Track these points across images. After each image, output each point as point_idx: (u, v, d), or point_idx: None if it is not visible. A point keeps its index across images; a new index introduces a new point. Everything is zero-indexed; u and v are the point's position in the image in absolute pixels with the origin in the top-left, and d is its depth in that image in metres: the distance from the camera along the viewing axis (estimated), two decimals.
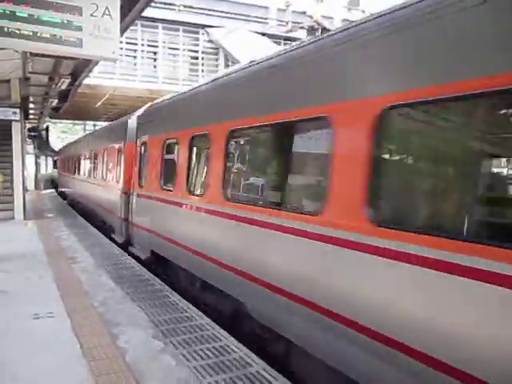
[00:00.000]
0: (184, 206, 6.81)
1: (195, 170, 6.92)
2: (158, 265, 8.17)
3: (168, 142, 7.80)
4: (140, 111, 10.39)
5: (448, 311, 2.78)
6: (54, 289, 6.41)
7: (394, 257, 3.09)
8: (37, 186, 31.48)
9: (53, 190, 31.66)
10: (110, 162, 12.17)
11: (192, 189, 6.75)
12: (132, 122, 10.48)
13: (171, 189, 7.36)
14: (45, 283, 6.73)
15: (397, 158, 3.63)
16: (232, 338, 4.81)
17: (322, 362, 3.82)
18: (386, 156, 3.54)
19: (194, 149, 6.89)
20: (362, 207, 3.38)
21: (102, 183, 13.09)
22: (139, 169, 9.33)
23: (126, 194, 10.06)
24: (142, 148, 9.24)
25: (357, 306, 3.42)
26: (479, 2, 2.75)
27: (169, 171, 7.61)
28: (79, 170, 18.34)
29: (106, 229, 12.14)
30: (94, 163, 14.69)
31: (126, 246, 9.89)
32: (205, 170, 6.54)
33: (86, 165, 16.75)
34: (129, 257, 8.98)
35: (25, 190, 15.05)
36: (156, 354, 4.31)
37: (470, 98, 2.82)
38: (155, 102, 9.81)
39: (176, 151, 7.37)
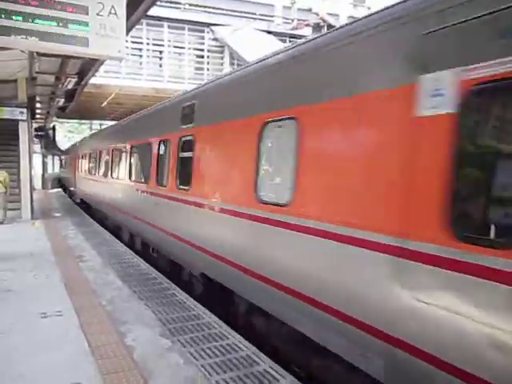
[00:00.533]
0: (87, 179, 17.38)
1: (88, 164, 17.32)
2: (83, 204, 19.24)
3: (82, 154, 19.48)
4: (80, 139, 25.77)
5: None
6: (62, 287, 6.44)
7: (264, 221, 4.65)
8: (44, 186, 31.66)
9: (60, 190, 31.82)
10: (73, 163, 23.06)
11: (91, 171, 16.52)
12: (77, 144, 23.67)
13: (81, 173, 19.17)
14: (53, 282, 6.76)
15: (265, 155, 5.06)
16: (239, 336, 4.81)
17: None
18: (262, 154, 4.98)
19: (89, 157, 17.33)
20: (254, 192, 4.83)
21: (69, 173, 25.42)
22: (78, 166, 20.73)
23: (75, 177, 21.79)
24: (79, 156, 20.56)
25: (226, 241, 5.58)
26: None
27: (83, 167, 18.99)
28: (65, 166, 31.26)
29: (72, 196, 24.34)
30: (69, 163, 26.27)
31: (74, 200, 22.49)
32: (91, 164, 16.54)
33: (67, 163, 28.95)
34: (135, 255, 9.03)
35: (32, 189, 15.13)
36: (164, 352, 4.32)
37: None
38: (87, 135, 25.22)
39: (83, 158, 19.13)
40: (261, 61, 5.36)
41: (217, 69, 25.71)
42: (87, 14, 4.62)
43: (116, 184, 11.90)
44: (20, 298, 5.99)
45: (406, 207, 3.04)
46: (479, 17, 2.69)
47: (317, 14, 13.45)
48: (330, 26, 13.65)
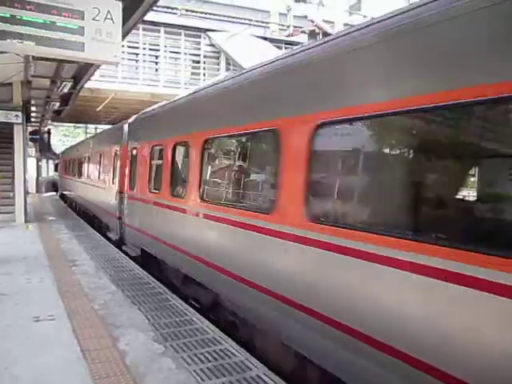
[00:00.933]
0: (62, 178, 28.00)
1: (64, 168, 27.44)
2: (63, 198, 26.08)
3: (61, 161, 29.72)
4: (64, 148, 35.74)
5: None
6: (55, 291, 6.42)
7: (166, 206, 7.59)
8: (38, 189, 31.51)
9: (54, 193, 31.69)
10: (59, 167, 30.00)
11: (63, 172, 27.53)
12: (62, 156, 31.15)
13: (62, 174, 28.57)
14: (46, 286, 6.73)
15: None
16: (232, 342, 4.81)
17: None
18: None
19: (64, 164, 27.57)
20: (170, 189, 7.36)
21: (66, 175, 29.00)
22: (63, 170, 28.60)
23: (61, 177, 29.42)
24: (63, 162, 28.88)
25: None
26: None
27: (62, 170, 28.38)
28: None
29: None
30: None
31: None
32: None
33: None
34: (129, 259, 9.01)
35: (26, 192, 15.06)
36: (156, 357, 4.31)
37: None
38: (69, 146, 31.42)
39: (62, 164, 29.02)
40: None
41: (213, 74, 25.75)
42: (83, 19, 4.65)
43: (71, 180, 21.70)
44: (13, 301, 5.95)
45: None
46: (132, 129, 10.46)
47: (312, 21, 13.53)
48: (325, 34, 13.72)
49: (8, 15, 4.46)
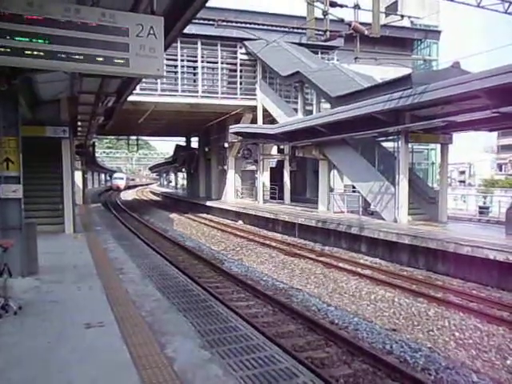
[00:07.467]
0: None
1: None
2: None
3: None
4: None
5: None
6: (104, 299, 6.61)
7: None
8: (84, 200, 32.74)
9: (99, 204, 32.85)
10: None
11: None
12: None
13: None
14: (95, 293, 6.96)
15: None
16: (277, 348, 4.80)
17: None
18: None
19: None
20: None
21: None
22: None
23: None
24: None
25: None
26: None
27: None
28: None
29: None
30: None
31: None
32: None
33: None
34: (173, 267, 9.18)
35: (74, 204, 15.67)
36: (203, 363, 4.36)
37: None
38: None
39: None
40: None
41: (249, 82, 26.01)
42: (128, 36, 4.83)
43: None
44: (64, 308, 6.19)
45: None
46: None
47: (349, 25, 13.42)
48: (362, 36, 13.57)
49: (57, 35, 4.70)
